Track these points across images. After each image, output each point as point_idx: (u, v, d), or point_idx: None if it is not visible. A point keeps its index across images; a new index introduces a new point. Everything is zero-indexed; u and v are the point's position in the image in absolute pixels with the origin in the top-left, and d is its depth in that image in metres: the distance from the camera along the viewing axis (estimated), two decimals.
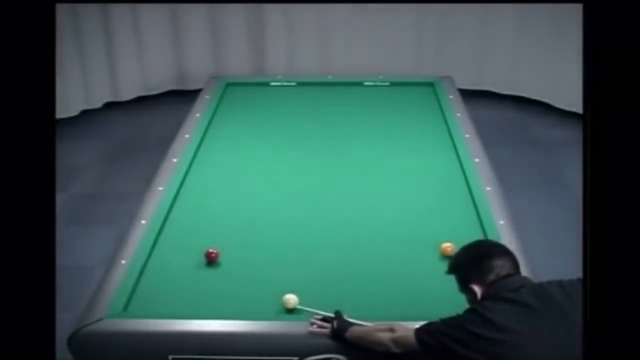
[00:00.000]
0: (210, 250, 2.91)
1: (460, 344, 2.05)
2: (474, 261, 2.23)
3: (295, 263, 2.93)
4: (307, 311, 2.54)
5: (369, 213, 3.30)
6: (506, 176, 3.97)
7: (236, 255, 2.96)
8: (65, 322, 2.64)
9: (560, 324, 2.00)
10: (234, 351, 2.47)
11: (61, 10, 5.22)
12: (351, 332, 2.39)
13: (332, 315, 2.47)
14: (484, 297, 2.15)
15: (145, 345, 2.49)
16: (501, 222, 3.09)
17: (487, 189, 3.37)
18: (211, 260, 2.90)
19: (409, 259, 2.93)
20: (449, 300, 2.35)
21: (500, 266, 2.18)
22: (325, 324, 2.46)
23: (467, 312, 2.15)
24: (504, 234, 2.95)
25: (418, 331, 2.19)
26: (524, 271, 2.33)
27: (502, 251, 2.26)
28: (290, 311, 2.61)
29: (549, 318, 2.02)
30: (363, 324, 2.41)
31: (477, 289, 2.18)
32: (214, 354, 2.47)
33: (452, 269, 2.33)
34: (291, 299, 2.61)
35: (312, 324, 2.48)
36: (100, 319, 2.53)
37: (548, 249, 3.92)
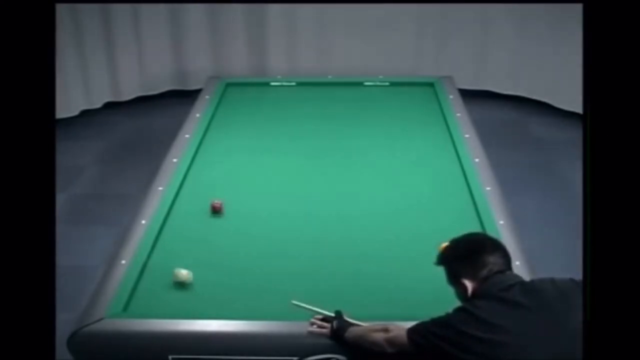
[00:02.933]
0: (216, 201, 3.18)
1: (450, 344, 2.03)
2: (466, 255, 2.19)
3: (296, 262, 2.93)
4: (304, 307, 2.53)
5: (369, 213, 3.30)
6: (506, 176, 3.97)
7: (236, 255, 2.96)
8: (65, 322, 2.64)
9: (553, 323, 1.99)
10: (233, 351, 2.47)
11: (61, 10, 5.22)
12: (350, 332, 2.39)
13: (332, 315, 2.48)
14: (475, 293, 2.12)
15: (145, 345, 2.50)
16: (501, 222, 3.09)
17: (487, 189, 3.38)
18: (216, 211, 3.19)
19: (408, 258, 2.93)
20: (448, 300, 2.34)
21: (492, 262, 2.14)
22: (325, 324, 2.46)
23: (457, 311, 2.11)
24: (503, 234, 2.95)
25: (409, 331, 2.18)
26: (523, 270, 2.32)
27: (495, 246, 2.22)
28: (181, 285, 2.72)
29: (541, 317, 2.00)
30: (363, 325, 2.40)
31: (468, 284, 2.15)
32: (214, 354, 2.47)
33: (442, 261, 2.28)
34: (181, 273, 2.72)
35: (312, 324, 2.48)
36: (101, 319, 2.53)
37: (548, 249, 3.93)
